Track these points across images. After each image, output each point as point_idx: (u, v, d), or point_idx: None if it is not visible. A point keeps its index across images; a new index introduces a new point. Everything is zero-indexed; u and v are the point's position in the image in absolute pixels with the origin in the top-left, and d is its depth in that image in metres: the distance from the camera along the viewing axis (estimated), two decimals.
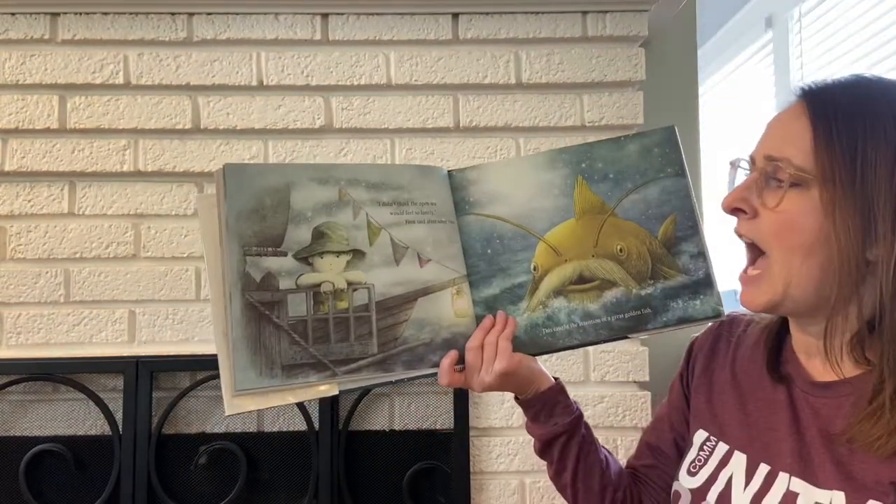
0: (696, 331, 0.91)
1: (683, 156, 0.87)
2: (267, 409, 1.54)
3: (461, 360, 0.84)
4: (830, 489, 0.67)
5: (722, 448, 0.79)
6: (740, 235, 0.75)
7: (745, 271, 0.76)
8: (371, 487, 1.53)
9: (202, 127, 1.54)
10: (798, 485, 0.70)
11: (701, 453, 0.81)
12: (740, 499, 0.74)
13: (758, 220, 0.72)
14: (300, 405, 1.50)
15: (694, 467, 0.81)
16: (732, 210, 0.75)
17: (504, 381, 0.84)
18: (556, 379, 0.90)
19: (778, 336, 0.80)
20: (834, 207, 0.67)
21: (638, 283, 0.84)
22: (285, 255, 0.81)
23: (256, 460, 1.53)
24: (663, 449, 0.91)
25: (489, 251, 0.87)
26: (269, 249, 0.81)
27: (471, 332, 0.85)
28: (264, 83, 1.55)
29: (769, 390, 0.78)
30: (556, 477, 0.91)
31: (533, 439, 0.91)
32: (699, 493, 0.78)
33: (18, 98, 1.52)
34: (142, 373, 1.48)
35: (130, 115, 1.53)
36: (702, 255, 0.84)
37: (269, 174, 0.83)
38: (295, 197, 0.83)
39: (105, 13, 1.53)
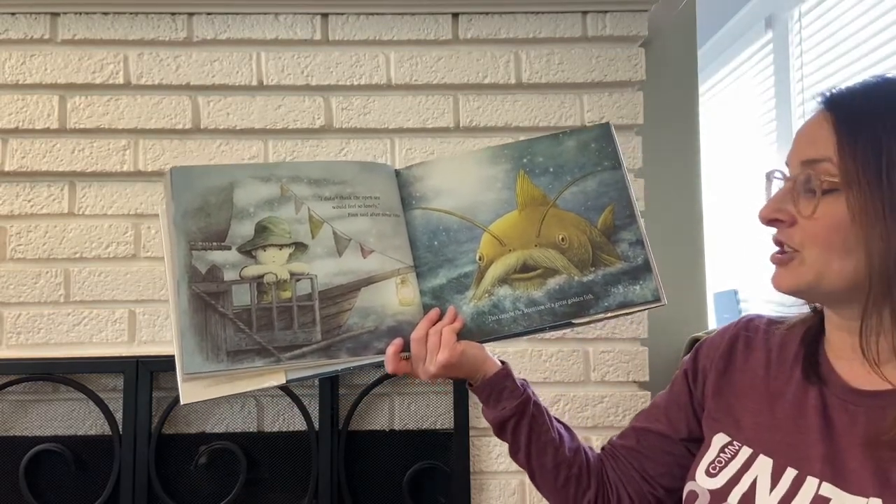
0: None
1: (619, 149, 0.91)
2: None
3: (407, 347, 0.86)
4: (866, 496, 0.66)
5: (745, 451, 0.78)
6: (780, 244, 0.75)
7: (778, 252, 0.76)
8: (371, 487, 1.53)
9: (202, 127, 1.54)
10: (828, 489, 0.68)
11: (721, 455, 0.80)
12: (766, 502, 0.72)
13: (796, 227, 0.73)
14: (300, 405, 1.50)
15: (714, 468, 0.79)
16: (769, 221, 0.75)
17: (449, 371, 0.86)
18: (503, 363, 0.92)
19: (815, 338, 0.80)
20: (862, 211, 0.67)
21: (580, 271, 0.88)
22: (229, 248, 0.86)
23: (256, 460, 1.53)
24: (649, 436, 0.90)
25: (436, 243, 0.90)
26: (214, 244, 0.85)
27: (417, 320, 0.87)
28: (264, 83, 1.55)
29: (799, 393, 0.77)
30: (513, 456, 0.93)
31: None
32: (720, 494, 0.77)
33: (18, 98, 1.52)
34: (142, 373, 1.48)
35: (130, 115, 1.53)
36: (640, 242, 0.88)
37: (213, 174, 0.88)
38: (238, 194, 0.88)
39: (105, 13, 1.53)
